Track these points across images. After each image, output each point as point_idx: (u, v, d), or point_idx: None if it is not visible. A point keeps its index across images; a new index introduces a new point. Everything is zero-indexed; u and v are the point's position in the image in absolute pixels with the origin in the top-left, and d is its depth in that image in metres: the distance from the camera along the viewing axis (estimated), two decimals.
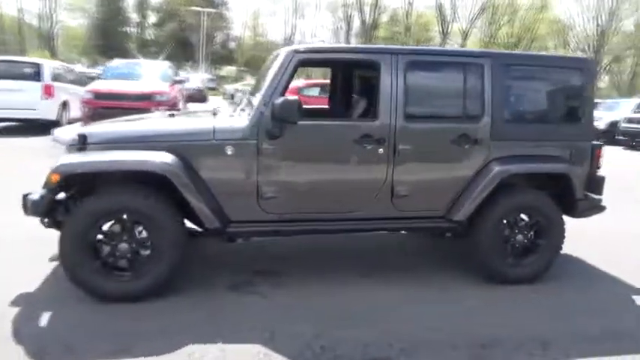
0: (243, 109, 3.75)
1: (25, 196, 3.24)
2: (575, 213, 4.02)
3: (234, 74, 54.35)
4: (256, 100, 3.53)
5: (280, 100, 3.28)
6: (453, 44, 53.86)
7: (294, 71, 3.51)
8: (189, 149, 3.38)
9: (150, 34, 60.13)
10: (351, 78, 4.51)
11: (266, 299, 3.49)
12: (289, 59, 3.49)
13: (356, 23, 55.39)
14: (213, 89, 37.48)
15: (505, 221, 3.86)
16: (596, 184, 4.03)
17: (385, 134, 3.60)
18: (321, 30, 59.27)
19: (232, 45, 61.13)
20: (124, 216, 3.25)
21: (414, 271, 4.12)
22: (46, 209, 3.20)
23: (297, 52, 3.53)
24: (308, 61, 3.54)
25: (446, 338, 3.03)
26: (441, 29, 52.24)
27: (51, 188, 3.15)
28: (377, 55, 3.68)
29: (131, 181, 3.36)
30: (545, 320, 3.35)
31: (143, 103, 9.67)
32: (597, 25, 50.97)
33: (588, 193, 4.02)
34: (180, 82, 12.37)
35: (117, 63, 13.22)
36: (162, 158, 3.25)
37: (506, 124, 3.81)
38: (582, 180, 3.96)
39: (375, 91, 3.62)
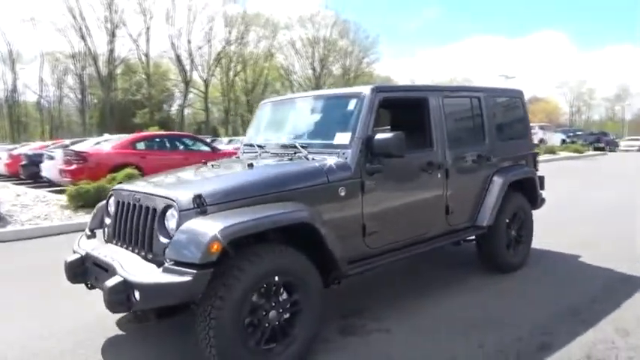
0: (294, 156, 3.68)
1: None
2: (536, 206, 5.20)
3: None
4: (346, 138, 3.56)
5: (391, 135, 3.43)
6: (197, 92, 55.33)
7: (378, 108, 3.69)
8: (309, 195, 3.21)
9: None
10: (409, 113, 4.44)
11: (389, 333, 3.51)
12: (374, 98, 3.65)
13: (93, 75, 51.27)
14: None
15: (507, 220, 4.74)
16: (541, 182, 5.31)
17: (441, 160, 4.08)
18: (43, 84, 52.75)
19: None
20: (275, 279, 2.88)
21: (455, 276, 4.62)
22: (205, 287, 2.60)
23: (379, 90, 3.72)
24: (387, 99, 3.74)
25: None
26: (182, 78, 52.89)
27: (212, 262, 2.59)
28: (434, 92, 4.19)
29: (266, 240, 2.98)
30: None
31: None
32: (313, 69, 59.93)
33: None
34: None
35: None
36: (302, 209, 3.03)
37: (497, 144, 4.73)
38: (539, 180, 5.19)
39: (429, 124, 4.08)
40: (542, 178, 5.35)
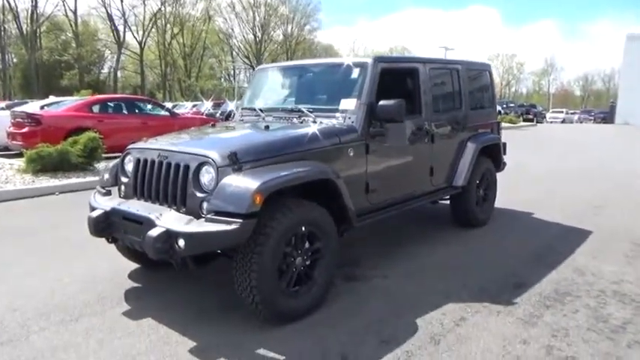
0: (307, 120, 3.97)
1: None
2: (499, 169, 5.81)
3: None
4: (351, 104, 3.89)
5: (393, 102, 3.80)
6: (130, 54, 52.80)
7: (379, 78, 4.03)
8: (325, 155, 3.54)
9: None
10: (401, 82, 4.71)
11: (386, 278, 3.97)
12: (376, 67, 3.99)
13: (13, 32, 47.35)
14: None
15: (477, 181, 5.31)
16: (504, 148, 5.92)
17: (428, 126, 4.53)
18: None
19: None
20: (302, 229, 3.22)
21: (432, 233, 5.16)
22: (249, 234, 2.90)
23: (380, 61, 4.05)
24: (385, 69, 4.06)
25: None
26: (115, 39, 50.19)
27: (256, 212, 2.88)
28: (423, 63, 4.59)
29: (290, 195, 3.29)
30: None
31: None
32: (254, 35, 58.73)
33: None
34: None
35: None
36: (324, 166, 3.37)
37: (470, 112, 5.24)
38: (502, 146, 5.79)
39: (418, 92, 4.48)
40: (504, 145, 5.96)
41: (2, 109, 14.76)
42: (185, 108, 22.23)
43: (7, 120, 10.84)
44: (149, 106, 12.29)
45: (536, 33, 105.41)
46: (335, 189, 3.41)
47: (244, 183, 2.93)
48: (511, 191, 7.10)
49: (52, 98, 14.36)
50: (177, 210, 3.20)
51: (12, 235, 5.30)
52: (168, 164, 3.31)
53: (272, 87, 4.75)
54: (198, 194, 3.10)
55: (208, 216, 2.96)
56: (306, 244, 3.31)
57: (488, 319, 3.24)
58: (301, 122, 3.92)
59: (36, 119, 10.02)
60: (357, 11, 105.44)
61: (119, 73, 53.91)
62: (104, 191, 3.84)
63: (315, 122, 3.87)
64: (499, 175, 5.86)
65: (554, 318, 3.25)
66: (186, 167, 3.20)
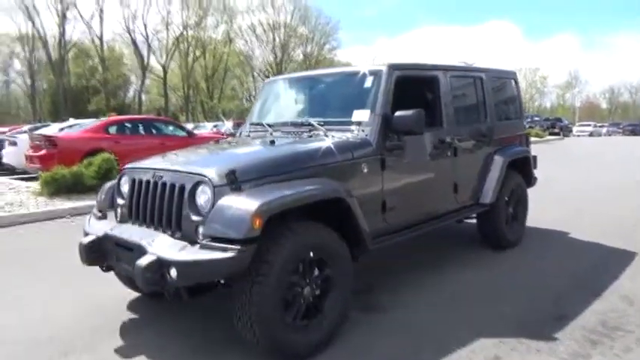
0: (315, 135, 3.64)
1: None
2: (530, 184, 5.36)
3: None
4: (365, 116, 3.55)
5: (411, 113, 3.44)
6: (154, 77, 53.80)
7: (395, 87, 3.69)
8: (336, 171, 3.20)
9: None
10: (420, 91, 4.37)
11: (407, 307, 3.56)
12: (391, 75, 3.65)
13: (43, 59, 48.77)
14: None
15: (506, 198, 4.88)
16: (534, 161, 5.47)
17: (450, 138, 4.15)
18: None
19: None
20: (310, 255, 2.86)
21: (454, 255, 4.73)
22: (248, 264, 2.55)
23: (395, 68, 3.71)
24: (401, 77, 3.72)
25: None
26: (139, 63, 51.23)
27: (255, 237, 2.54)
28: (443, 71, 4.24)
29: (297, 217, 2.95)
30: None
31: None
32: (274, 55, 59.24)
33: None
34: None
35: None
36: (334, 184, 3.03)
37: (497, 124, 4.84)
38: (533, 160, 5.35)
39: (439, 102, 4.12)
40: (535, 158, 5.51)
41: (24, 132, 14.88)
42: (205, 128, 22.28)
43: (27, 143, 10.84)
44: (168, 127, 12.17)
45: (558, 46, 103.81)
46: (347, 209, 3.05)
47: (242, 204, 2.60)
48: (542, 208, 6.61)
49: (71, 121, 14.40)
50: (172, 235, 2.89)
51: (17, 260, 5.08)
52: (163, 184, 3.02)
53: (281, 100, 4.45)
54: (194, 217, 2.79)
55: (204, 242, 2.64)
56: (315, 272, 2.95)
57: (526, 359, 2.80)
58: (311, 137, 3.59)
59: (52, 142, 9.97)
60: (375, 29, 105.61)
61: (144, 96, 54.90)
62: (99, 215, 3.57)
63: (326, 136, 3.55)
64: (528, 192, 5.41)
65: (604, 359, 2.79)
66: (182, 187, 2.90)
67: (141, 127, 11.46)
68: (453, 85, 4.29)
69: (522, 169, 5.18)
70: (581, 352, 2.85)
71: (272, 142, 3.43)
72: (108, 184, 3.69)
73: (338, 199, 2.99)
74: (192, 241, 2.73)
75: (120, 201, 3.42)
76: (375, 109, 3.55)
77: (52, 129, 12.29)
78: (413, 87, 4.08)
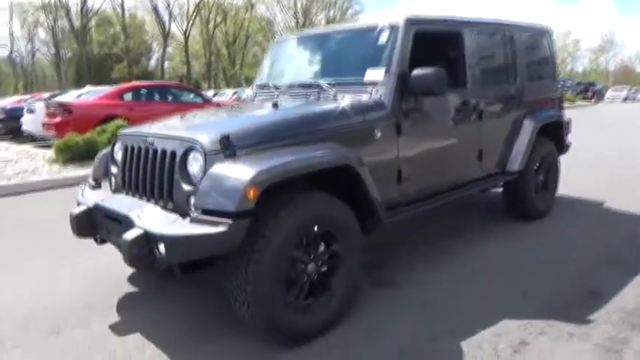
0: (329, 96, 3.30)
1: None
2: (562, 151, 4.94)
3: None
4: (379, 75, 3.19)
5: (431, 70, 3.08)
6: (176, 45, 53.43)
7: (413, 43, 3.30)
8: (345, 136, 2.88)
9: None
10: (441, 48, 3.92)
11: (423, 283, 3.28)
12: (409, 30, 3.26)
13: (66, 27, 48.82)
14: None
15: (536, 166, 4.48)
16: (567, 126, 5.03)
17: (475, 100, 3.76)
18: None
19: None
20: (315, 229, 2.58)
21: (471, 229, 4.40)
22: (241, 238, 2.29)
23: (413, 22, 3.31)
24: (420, 32, 3.33)
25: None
26: (160, 30, 50.87)
27: (249, 209, 2.27)
28: (469, 26, 3.80)
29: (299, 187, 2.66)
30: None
31: None
32: (296, 21, 58.01)
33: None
34: None
35: None
36: (342, 150, 2.71)
37: (527, 85, 4.40)
38: (566, 124, 4.91)
39: (463, 60, 3.72)
40: (568, 122, 5.07)
41: (46, 99, 14.88)
42: (226, 95, 22.00)
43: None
44: (184, 94, 11.91)
45: (590, 9, 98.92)
46: (357, 178, 2.75)
47: (236, 173, 2.32)
48: (573, 175, 6.18)
49: (88, 88, 14.27)
50: (164, 206, 2.65)
51: (20, 231, 4.95)
52: (155, 151, 2.76)
53: (290, 60, 4.10)
54: (186, 187, 2.53)
55: (194, 214, 2.38)
56: (321, 247, 2.67)
57: (557, 345, 2.50)
58: (319, 99, 3.26)
59: (67, 109, 9.84)
60: None
61: (166, 64, 54.75)
62: (94, 184, 3.35)
63: (335, 98, 3.21)
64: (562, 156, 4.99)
65: None
66: (173, 154, 2.64)
67: (156, 94, 11.23)
68: (479, 42, 3.87)
69: (554, 135, 4.75)
70: (619, 337, 2.53)
71: (275, 105, 3.11)
72: (103, 152, 3.46)
73: (347, 166, 2.68)
74: (185, 213, 2.47)
75: (113, 169, 3.19)
76: (390, 67, 3.18)
77: (69, 96, 12.18)
78: (434, 44, 3.67)
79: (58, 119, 9.79)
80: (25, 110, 12.18)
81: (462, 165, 3.78)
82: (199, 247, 2.31)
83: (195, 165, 2.52)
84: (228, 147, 2.47)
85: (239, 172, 2.31)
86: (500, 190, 4.64)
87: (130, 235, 2.40)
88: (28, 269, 3.84)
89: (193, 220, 2.36)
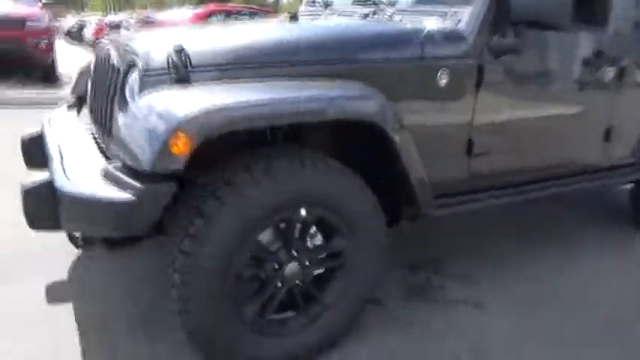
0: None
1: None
2: None
3: None
4: None
5: None
6: None
7: None
8: (382, 75, 1.82)
9: None
10: None
11: (479, 307, 2.21)
12: None
13: None
14: None
15: None
16: None
17: (618, 50, 2.45)
18: None
19: None
20: (301, 213, 1.63)
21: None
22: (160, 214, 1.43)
23: None
24: None
25: None
26: None
27: (175, 170, 1.38)
28: None
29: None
30: None
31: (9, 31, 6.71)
32: None
33: None
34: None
35: None
36: (367, 94, 1.69)
37: None
38: None
39: None
40: None
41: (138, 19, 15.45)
42: None
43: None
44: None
45: None
46: (389, 144, 1.72)
47: (167, 108, 1.41)
48: None
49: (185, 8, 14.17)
50: (105, 145, 1.84)
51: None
52: (108, 66, 1.94)
53: None
54: (121, 118, 1.68)
55: (110, 166, 1.53)
56: (316, 241, 1.74)
57: None
58: (366, 18, 2.21)
59: (151, 25, 9.59)
60: None
61: None
62: (72, 102, 2.65)
63: (391, 19, 2.14)
64: None
65: None
66: (117, 72, 1.79)
67: (246, 18, 10.58)
68: None
69: None
70: None
71: (293, 18, 2.12)
72: (86, 63, 2.72)
73: (368, 122, 1.65)
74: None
75: (89, 86, 2.44)
76: None
77: (166, 14, 11.99)
78: None
79: None
80: (122, 26, 12.30)
81: (577, 146, 2.54)
82: (95, 217, 1.47)
83: (130, 89, 1.65)
84: (179, 67, 1.55)
85: (171, 108, 1.40)
86: (628, 187, 3.28)
87: (28, 182, 1.62)
88: None
89: (107, 176, 1.51)
